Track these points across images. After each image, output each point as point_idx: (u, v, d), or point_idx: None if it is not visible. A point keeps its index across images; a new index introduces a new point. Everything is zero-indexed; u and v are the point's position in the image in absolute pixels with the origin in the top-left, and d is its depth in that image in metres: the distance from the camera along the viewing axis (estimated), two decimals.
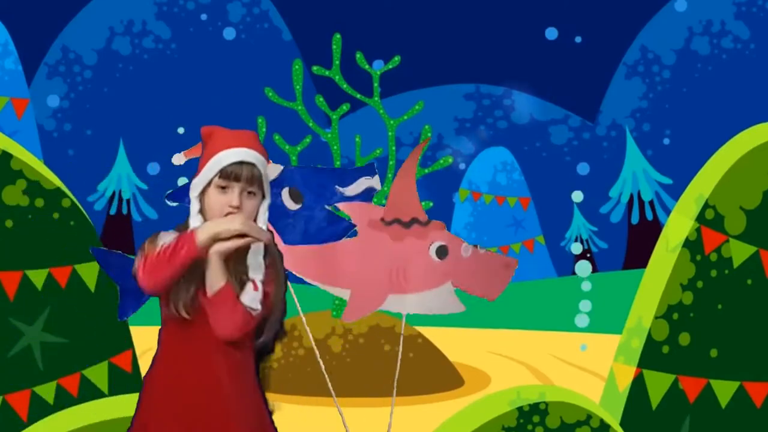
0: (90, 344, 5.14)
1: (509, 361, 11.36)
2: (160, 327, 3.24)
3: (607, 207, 17.50)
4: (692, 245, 4.89)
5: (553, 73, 17.13)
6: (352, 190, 4.29)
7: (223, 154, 3.18)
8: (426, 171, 9.70)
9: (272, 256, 3.23)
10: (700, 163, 5.14)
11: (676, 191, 15.95)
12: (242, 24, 17.60)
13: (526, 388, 4.65)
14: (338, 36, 9.64)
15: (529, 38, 16.99)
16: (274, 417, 3.31)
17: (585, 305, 8.22)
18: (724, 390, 4.95)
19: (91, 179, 16.98)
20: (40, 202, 5.02)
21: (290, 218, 4.36)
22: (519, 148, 17.39)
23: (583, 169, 16.87)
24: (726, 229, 4.94)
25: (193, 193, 3.22)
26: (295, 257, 4.22)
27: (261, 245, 3.17)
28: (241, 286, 3.13)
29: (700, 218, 4.91)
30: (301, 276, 4.28)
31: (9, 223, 4.94)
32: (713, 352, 4.95)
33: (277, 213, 4.19)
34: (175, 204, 4.17)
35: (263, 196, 3.23)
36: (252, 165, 3.19)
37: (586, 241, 17.41)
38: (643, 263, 5.18)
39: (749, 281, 4.98)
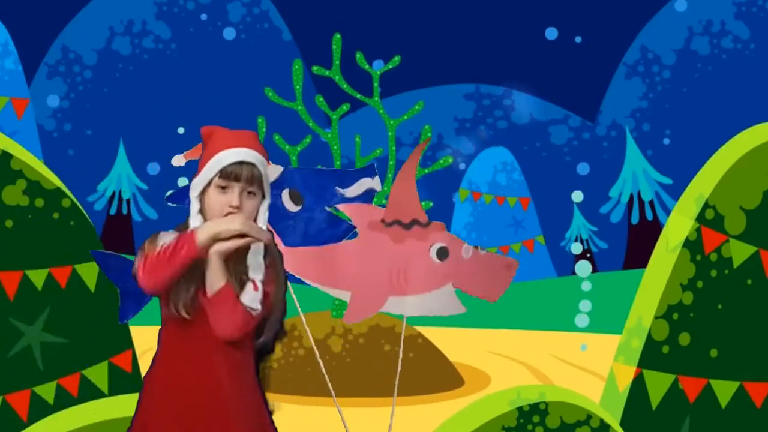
0: (90, 344, 5.14)
1: (509, 361, 11.36)
2: (160, 327, 3.25)
3: (607, 207, 17.51)
4: (692, 245, 4.89)
5: (553, 73, 17.13)
6: (352, 191, 4.29)
7: (223, 154, 3.19)
8: (426, 171, 9.70)
9: (272, 256, 3.23)
10: (700, 163, 5.14)
11: (676, 191, 15.95)
12: (242, 24, 17.60)
13: (526, 388, 4.65)
14: (338, 36, 9.64)
15: (529, 38, 17.00)
16: (274, 417, 3.31)
17: (585, 305, 8.21)
18: (724, 390, 4.96)
19: (91, 179, 16.98)
20: (40, 202, 5.02)
21: (290, 220, 4.36)
22: (519, 148, 17.39)
23: (583, 169, 16.87)
24: (726, 229, 4.94)
25: (193, 193, 3.22)
26: (296, 259, 4.22)
27: (261, 245, 3.17)
28: (241, 286, 3.14)
29: (700, 218, 4.91)
30: (301, 278, 4.28)
31: (9, 223, 4.94)
32: (713, 352, 4.95)
33: (277, 214, 4.19)
34: (175, 205, 4.17)
35: (263, 196, 3.23)
36: (252, 165, 3.19)
37: (586, 241, 17.41)
38: (643, 263, 5.18)
39: (749, 281, 4.98)
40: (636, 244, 17.23)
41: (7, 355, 4.93)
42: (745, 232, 4.97)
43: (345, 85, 9.72)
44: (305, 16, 17.24)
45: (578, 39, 16.97)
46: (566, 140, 17.67)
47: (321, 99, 9.72)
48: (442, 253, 4.30)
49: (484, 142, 17.34)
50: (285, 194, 4.31)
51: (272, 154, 3.33)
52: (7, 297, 4.92)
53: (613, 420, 4.69)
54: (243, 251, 3.15)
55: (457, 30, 17.34)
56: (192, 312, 3.14)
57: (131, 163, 17.28)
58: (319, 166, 9.52)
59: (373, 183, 4.32)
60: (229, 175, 3.17)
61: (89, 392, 5.08)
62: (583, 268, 8.11)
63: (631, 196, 17.49)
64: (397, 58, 9.82)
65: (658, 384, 4.90)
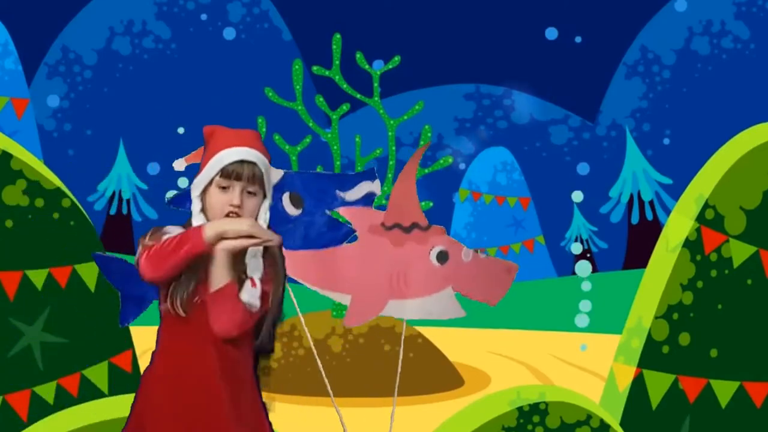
0: (90, 344, 5.14)
1: (509, 361, 11.36)
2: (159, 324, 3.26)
3: (607, 207, 17.50)
4: (692, 245, 4.89)
5: (553, 73, 17.12)
6: (352, 194, 4.29)
7: (224, 153, 3.19)
8: (426, 171, 9.70)
9: (272, 256, 3.24)
10: (700, 163, 5.14)
11: (676, 191, 15.94)
12: (242, 24, 17.60)
13: (526, 388, 4.65)
14: (338, 36, 9.64)
15: (529, 38, 16.99)
16: (272, 416, 3.32)
17: (585, 305, 8.22)
18: (724, 390, 4.96)
19: (91, 179, 16.98)
20: (40, 202, 5.02)
21: (291, 223, 4.36)
22: (519, 148, 17.39)
23: (583, 169, 16.87)
24: (726, 229, 4.94)
25: (195, 192, 3.23)
26: (296, 262, 4.22)
27: (258, 250, 3.18)
28: (240, 284, 3.14)
29: (700, 218, 4.91)
30: (301, 281, 4.28)
31: (9, 223, 4.94)
32: (713, 352, 4.95)
33: (277, 218, 4.19)
34: (176, 209, 4.17)
35: (264, 196, 3.24)
36: (253, 164, 3.20)
37: (586, 241, 17.41)
38: (643, 263, 5.18)
39: (749, 281, 4.98)
40: (636, 244, 17.23)
41: (7, 355, 4.93)
42: (745, 232, 4.97)
43: (345, 85, 9.71)
44: (305, 16, 17.24)
45: (578, 39, 16.96)
46: (566, 140, 17.67)
47: (321, 99, 9.72)
48: (442, 257, 4.30)
49: (484, 142, 17.34)
50: (285, 198, 4.31)
51: (272, 154, 3.33)
52: (7, 297, 4.92)
53: (613, 420, 4.69)
54: (243, 250, 3.15)
55: (457, 30, 17.34)
56: (189, 309, 3.15)
57: (131, 163, 17.28)
58: (319, 167, 9.57)
59: (373, 186, 4.32)
60: (230, 174, 3.18)
61: (89, 392, 5.09)
62: (583, 268, 8.11)
63: (631, 196, 17.49)
64: (397, 58, 9.82)
65: (658, 384, 4.90)
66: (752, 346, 5.00)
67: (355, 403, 7.98)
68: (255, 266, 3.17)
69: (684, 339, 4.91)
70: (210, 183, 3.20)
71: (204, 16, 17.51)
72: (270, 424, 3.29)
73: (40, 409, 4.92)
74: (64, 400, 4.99)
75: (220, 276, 3.10)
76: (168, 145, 15.35)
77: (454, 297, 4.33)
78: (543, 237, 17.44)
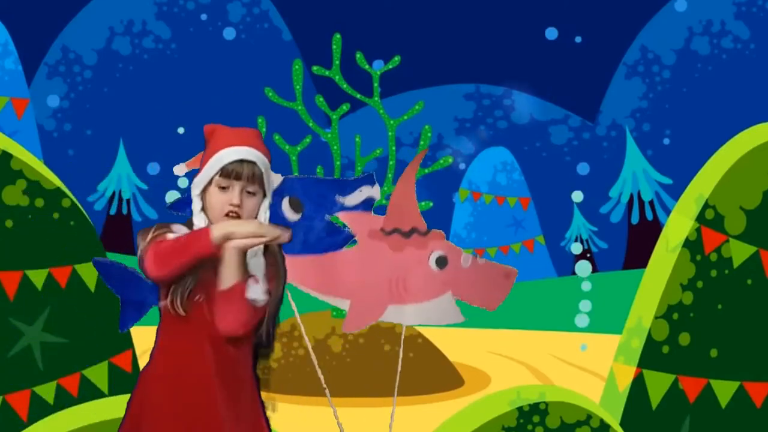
0: (90, 344, 5.14)
1: (509, 361, 11.36)
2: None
3: (607, 207, 17.51)
4: (692, 245, 4.89)
5: (553, 73, 17.13)
6: (351, 199, 4.28)
7: (224, 152, 3.19)
8: (426, 171, 9.69)
9: (273, 255, 3.24)
10: (700, 163, 5.14)
11: (676, 191, 15.94)
12: (242, 24, 17.60)
13: (526, 388, 4.66)
14: (338, 36, 9.63)
15: (529, 38, 17.00)
16: (273, 417, 3.32)
17: (585, 305, 8.22)
18: (724, 390, 4.96)
19: (91, 179, 16.98)
20: (40, 202, 5.03)
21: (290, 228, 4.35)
22: (519, 148, 17.39)
23: (583, 169, 16.87)
24: (726, 229, 4.94)
25: (195, 191, 3.23)
26: (294, 267, 4.22)
27: (258, 249, 3.18)
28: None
29: (700, 218, 4.91)
30: (300, 286, 4.27)
31: (9, 223, 4.94)
32: (713, 352, 4.95)
33: (277, 222, 4.19)
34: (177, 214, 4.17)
35: (264, 195, 3.24)
36: (253, 164, 3.19)
37: (586, 241, 17.41)
38: (643, 263, 5.18)
39: (749, 281, 4.98)
40: (636, 244, 17.23)
41: (7, 355, 4.93)
42: (745, 232, 4.97)
43: (345, 85, 9.71)
44: (305, 16, 17.24)
45: (578, 39, 16.97)
46: (566, 140, 17.67)
47: (321, 99, 9.71)
48: (441, 262, 4.29)
49: (484, 142, 17.34)
50: (285, 202, 4.31)
51: (272, 154, 3.33)
52: (7, 297, 4.92)
53: (613, 420, 4.69)
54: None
55: (457, 30, 17.34)
56: (189, 308, 3.15)
57: (131, 163, 17.28)
58: (319, 167, 9.57)
59: (373, 191, 4.31)
60: (229, 173, 3.18)
61: (89, 392, 5.09)
62: (583, 268, 8.11)
63: (631, 196, 17.49)
64: (397, 58, 9.82)
65: (658, 384, 4.90)
66: (752, 346, 5.01)
67: (355, 403, 7.98)
68: (257, 265, 3.18)
69: (684, 339, 4.91)
70: (210, 182, 3.20)
71: (204, 16, 17.51)
72: (268, 424, 3.29)
73: (40, 409, 4.92)
74: (64, 400, 4.99)
75: (229, 275, 3.10)
76: (168, 145, 15.36)
77: (454, 302, 4.33)
78: (543, 237, 17.43)
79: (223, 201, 3.17)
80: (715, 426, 4.96)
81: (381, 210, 4.45)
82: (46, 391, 5.01)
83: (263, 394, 3.31)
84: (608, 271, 16.73)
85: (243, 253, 3.11)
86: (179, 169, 3.83)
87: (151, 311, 3.67)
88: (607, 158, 17.58)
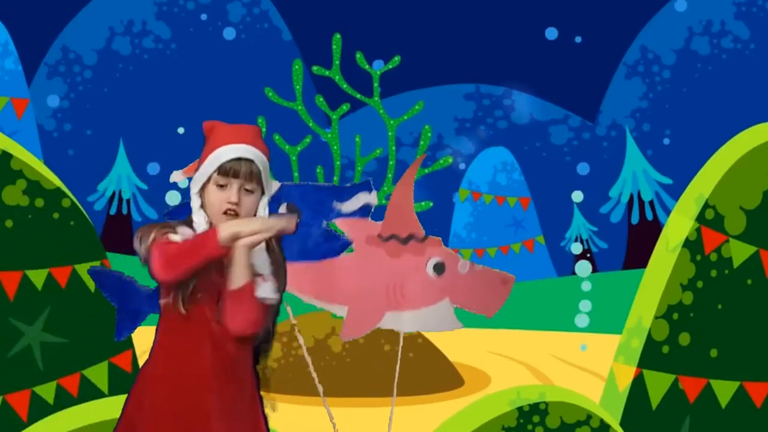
0: (90, 344, 5.14)
1: (509, 361, 11.36)
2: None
3: (607, 207, 17.50)
4: (692, 245, 4.89)
5: (553, 73, 17.12)
6: (349, 206, 4.28)
7: (221, 150, 3.19)
8: (426, 171, 9.70)
9: (273, 252, 3.25)
10: (700, 163, 5.14)
11: (676, 191, 15.94)
12: (242, 24, 17.60)
13: (526, 388, 4.66)
14: (338, 36, 9.64)
15: (529, 38, 16.99)
16: (273, 417, 3.32)
17: (585, 305, 8.22)
18: (724, 390, 4.96)
19: (91, 179, 16.97)
20: (40, 202, 5.02)
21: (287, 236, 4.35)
22: (519, 148, 17.38)
23: (583, 169, 16.87)
24: (726, 229, 4.94)
25: (194, 189, 3.24)
26: (291, 275, 4.21)
27: (261, 246, 3.18)
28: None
29: (700, 218, 4.91)
30: (297, 294, 4.26)
31: (9, 223, 4.94)
32: (713, 352, 4.95)
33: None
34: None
35: (263, 192, 3.24)
36: (250, 161, 3.19)
37: (586, 241, 17.40)
38: (643, 263, 5.18)
39: (749, 281, 4.98)
40: (636, 244, 17.22)
41: (7, 355, 4.93)
42: (745, 232, 4.97)
43: (345, 85, 9.72)
44: (305, 16, 17.24)
45: (578, 39, 16.96)
46: (566, 140, 17.67)
47: (321, 99, 9.72)
48: (439, 268, 4.29)
49: (484, 142, 17.34)
50: (282, 209, 4.31)
51: (272, 154, 3.33)
52: (7, 297, 4.92)
53: (613, 420, 4.69)
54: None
55: (457, 30, 17.34)
56: (188, 307, 3.15)
57: (131, 163, 17.28)
58: (319, 167, 9.58)
59: (370, 198, 4.31)
60: (227, 171, 3.18)
61: (89, 392, 5.09)
62: (583, 268, 8.12)
63: (631, 196, 17.49)
64: (397, 58, 9.82)
65: (658, 384, 4.90)
66: (752, 346, 5.01)
67: (355, 403, 7.99)
68: (262, 262, 3.18)
69: (684, 339, 4.91)
70: (208, 180, 3.20)
71: (204, 16, 17.50)
72: (267, 423, 3.29)
73: (40, 409, 4.92)
74: (64, 400, 4.99)
75: (240, 275, 3.11)
76: (168, 145, 15.36)
77: (452, 309, 4.32)
78: (543, 237, 17.43)
79: (221, 199, 3.17)
80: (715, 426, 4.96)
81: (381, 210, 4.44)
82: (46, 391, 5.01)
83: (263, 394, 3.31)
84: (608, 271, 16.73)
85: (251, 251, 3.11)
86: (176, 177, 3.84)
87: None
88: (607, 158, 17.57)
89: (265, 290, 3.14)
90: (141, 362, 4.89)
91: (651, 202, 17.42)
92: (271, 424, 3.33)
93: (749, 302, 4.99)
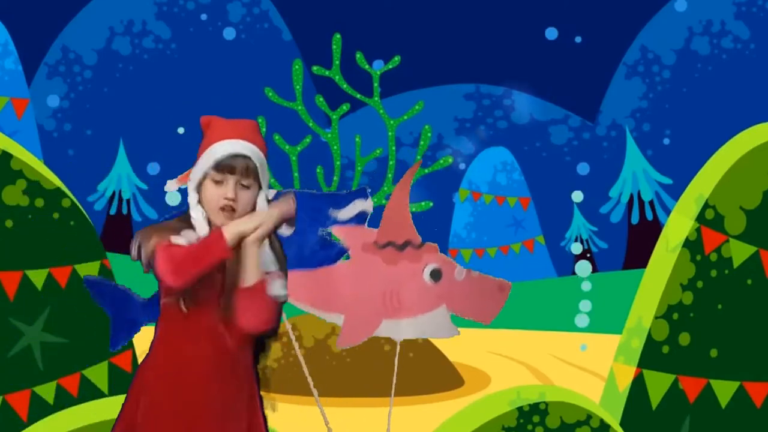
0: (90, 344, 5.14)
1: (509, 361, 11.36)
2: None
3: (607, 207, 17.50)
4: (692, 245, 4.89)
5: (553, 73, 17.12)
6: (345, 213, 4.28)
7: (217, 146, 3.20)
8: (426, 171, 9.70)
9: (273, 249, 3.26)
10: (700, 163, 5.14)
11: (676, 191, 15.94)
12: (242, 24, 17.60)
13: (526, 388, 4.66)
14: (338, 36, 9.64)
15: (529, 38, 16.99)
16: (273, 417, 3.32)
17: (585, 305, 8.22)
18: (724, 390, 4.96)
19: (91, 179, 16.98)
20: (40, 202, 5.03)
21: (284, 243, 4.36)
22: (519, 148, 17.38)
23: (583, 169, 16.87)
24: (726, 229, 4.94)
25: (191, 185, 3.23)
26: (287, 282, 4.21)
27: (266, 243, 3.18)
28: None
29: (700, 218, 4.91)
30: (293, 302, 4.26)
31: (9, 223, 4.94)
32: (713, 352, 4.95)
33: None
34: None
35: (259, 188, 3.24)
36: (247, 157, 3.19)
37: (586, 241, 17.40)
38: (643, 263, 5.18)
39: (749, 281, 4.98)
40: (636, 244, 17.22)
41: (7, 355, 4.93)
42: (745, 232, 4.97)
43: (345, 85, 9.72)
44: (305, 16, 17.24)
45: (578, 39, 16.96)
46: (566, 140, 17.67)
47: (321, 99, 9.72)
48: (436, 275, 4.28)
49: (484, 142, 17.33)
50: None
51: (272, 154, 3.34)
52: (7, 297, 4.92)
53: (613, 420, 4.69)
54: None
55: (457, 30, 17.34)
56: (189, 306, 3.15)
57: (131, 163, 17.28)
58: (319, 167, 9.57)
59: (366, 205, 4.30)
60: (223, 167, 3.18)
61: (89, 392, 5.09)
62: (583, 268, 8.12)
63: (631, 196, 17.49)
64: (397, 58, 9.82)
65: (658, 384, 4.90)
66: (752, 346, 5.01)
67: (355, 403, 7.99)
68: (268, 258, 3.21)
69: (684, 339, 4.91)
70: (204, 176, 3.20)
71: (204, 16, 17.50)
72: (266, 422, 3.29)
73: (40, 409, 4.92)
74: (64, 400, 4.99)
75: (252, 273, 3.12)
76: (168, 145, 15.37)
77: (448, 316, 4.32)
78: (543, 237, 17.43)
79: (218, 195, 3.18)
80: (715, 426, 4.96)
81: (381, 210, 4.44)
82: (46, 391, 5.01)
83: (263, 394, 3.31)
84: (608, 271, 16.73)
85: (260, 248, 3.11)
86: (170, 186, 3.84)
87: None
88: (607, 158, 17.57)
89: (277, 288, 3.15)
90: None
91: (651, 202, 17.42)
92: (271, 424, 3.33)
93: (749, 302, 4.99)
